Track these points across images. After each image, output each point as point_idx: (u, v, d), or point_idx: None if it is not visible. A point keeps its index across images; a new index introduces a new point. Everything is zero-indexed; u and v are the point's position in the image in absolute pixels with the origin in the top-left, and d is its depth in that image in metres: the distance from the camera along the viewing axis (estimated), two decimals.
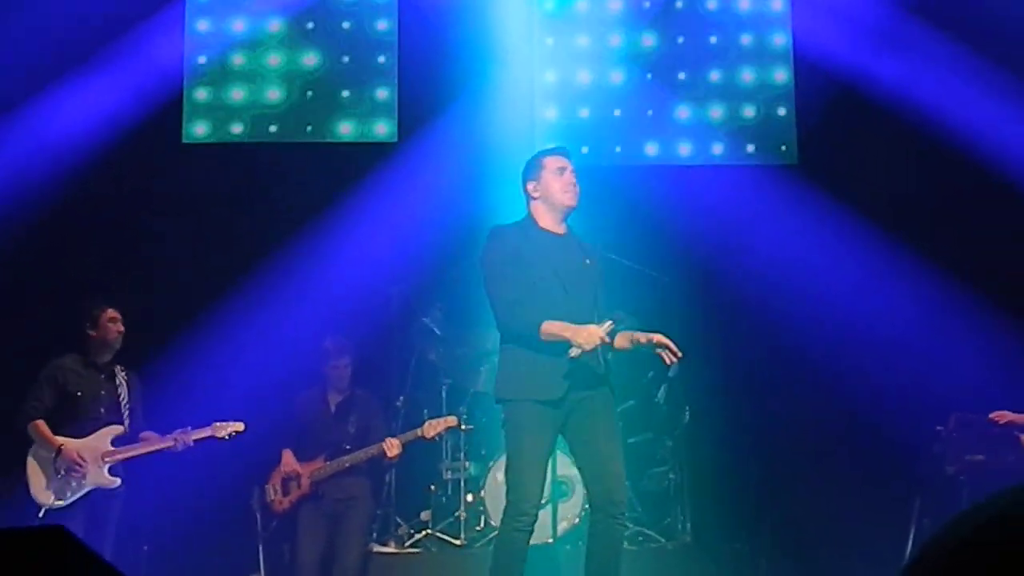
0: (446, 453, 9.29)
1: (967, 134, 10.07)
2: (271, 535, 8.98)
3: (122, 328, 8.31)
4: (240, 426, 8.31)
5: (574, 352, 6.21)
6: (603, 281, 6.66)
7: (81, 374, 8.22)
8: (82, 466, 7.92)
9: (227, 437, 8.27)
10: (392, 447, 8.75)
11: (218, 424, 8.27)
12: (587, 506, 8.73)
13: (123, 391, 8.25)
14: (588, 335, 6.22)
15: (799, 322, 9.86)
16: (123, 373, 8.33)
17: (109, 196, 10.12)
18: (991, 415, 8.64)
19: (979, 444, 8.68)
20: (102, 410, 8.17)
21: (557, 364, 6.31)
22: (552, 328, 6.27)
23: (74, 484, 7.93)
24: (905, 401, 9.46)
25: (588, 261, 6.62)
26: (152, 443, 8.18)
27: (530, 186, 6.69)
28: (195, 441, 8.19)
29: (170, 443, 8.15)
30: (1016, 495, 1.35)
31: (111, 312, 8.30)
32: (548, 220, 6.64)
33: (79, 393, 8.14)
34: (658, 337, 6.44)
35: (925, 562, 1.34)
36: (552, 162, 6.67)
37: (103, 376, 8.27)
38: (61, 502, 7.91)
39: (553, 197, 6.61)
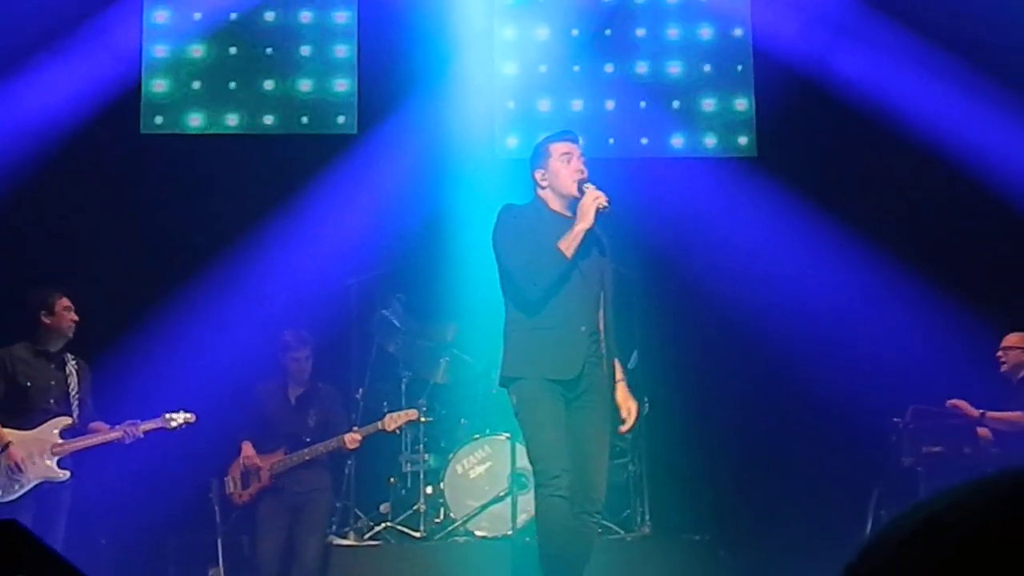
0: (405, 446, 9.28)
1: (925, 126, 10.13)
2: (230, 527, 8.96)
3: (76, 317, 8.21)
4: (191, 417, 8.23)
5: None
6: (610, 271, 6.59)
7: (31, 363, 8.10)
8: (23, 471, 7.82)
9: (177, 428, 8.20)
10: (353, 440, 8.75)
11: (168, 415, 8.20)
12: None
13: (73, 381, 8.14)
14: (588, 204, 6.29)
15: (758, 313, 9.90)
16: (73, 362, 8.21)
17: (66, 184, 10.04)
18: (948, 403, 8.72)
19: (936, 436, 8.74)
20: (51, 401, 8.06)
21: (569, 343, 6.27)
22: (567, 239, 6.25)
23: (22, 479, 7.84)
24: (863, 392, 9.50)
25: (596, 250, 6.47)
26: (101, 434, 8.10)
27: (537, 174, 6.53)
28: (145, 432, 8.12)
29: (119, 434, 8.06)
30: (970, 489, 1.35)
31: (66, 300, 8.20)
32: (557, 205, 6.49)
33: (28, 384, 8.03)
34: (631, 407, 6.52)
35: (874, 552, 1.34)
36: (558, 148, 6.51)
37: (53, 365, 8.16)
38: (10, 496, 7.82)
39: (561, 186, 6.46)
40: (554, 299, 6.31)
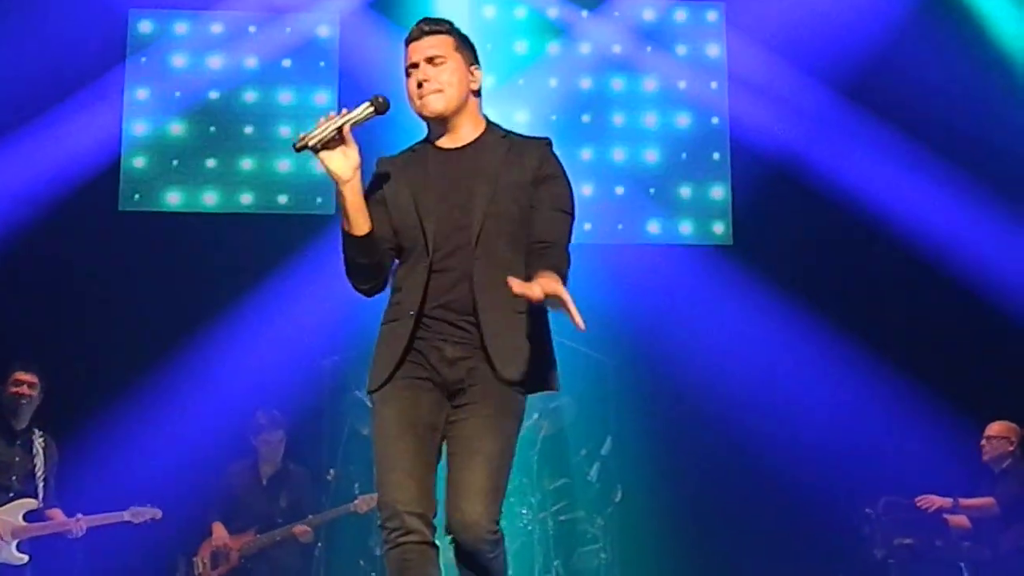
0: (376, 529, 9.20)
1: (900, 219, 10.21)
2: None
3: (27, 391, 8.12)
4: (158, 513, 8.19)
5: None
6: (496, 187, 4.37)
7: None
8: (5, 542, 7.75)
9: (142, 523, 8.15)
10: (303, 532, 8.75)
11: (136, 509, 8.14)
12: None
13: (39, 460, 8.05)
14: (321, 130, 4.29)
15: (731, 401, 9.91)
16: (41, 440, 8.13)
17: (42, 261, 10.02)
18: (917, 500, 8.72)
19: (907, 528, 8.75)
20: (13, 478, 7.98)
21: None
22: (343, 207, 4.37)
23: None
24: (835, 483, 9.51)
25: (478, 178, 4.38)
26: (54, 524, 7.98)
27: None
28: (89, 528, 8.02)
29: (69, 527, 7.96)
30: None
31: (18, 374, 8.13)
32: (434, 133, 4.56)
33: None
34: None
35: None
36: (405, 56, 4.54)
37: (18, 442, 8.08)
38: None
39: (411, 106, 4.54)
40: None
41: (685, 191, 10.72)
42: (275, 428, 9.07)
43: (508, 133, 4.55)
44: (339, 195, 4.36)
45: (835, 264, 10.48)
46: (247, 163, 10.51)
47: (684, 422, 10.14)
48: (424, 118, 4.50)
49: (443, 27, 4.49)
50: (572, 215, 4.50)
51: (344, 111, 4.30)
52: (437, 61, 4.42)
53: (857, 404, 9.99)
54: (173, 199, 10.43)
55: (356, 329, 9.47)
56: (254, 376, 9.63)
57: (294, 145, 4.26)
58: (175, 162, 10.47)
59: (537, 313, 4.34)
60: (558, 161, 4.55)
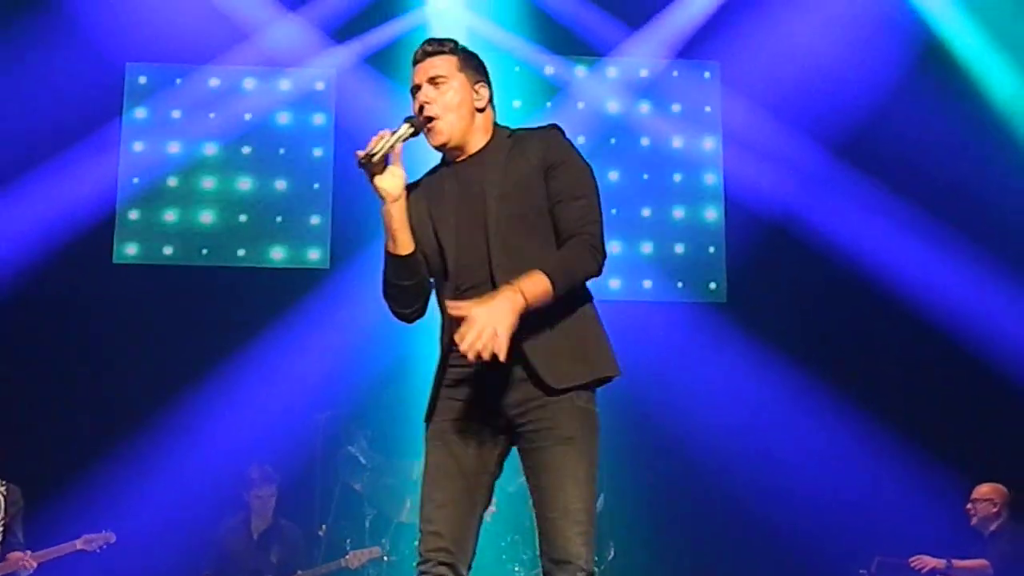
0: None
1: (894, 277, 10.23)
2: None
3: None
4: (110, 536, 8.12)
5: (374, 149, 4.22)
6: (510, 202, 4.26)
7: None
8: None
9: (97, 549, 8.07)
10: None
11: (87, 537, 8.08)
12: None
13: None
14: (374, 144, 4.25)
15: (724, 459, 9.90)
16: (2, 488, 8.06)
17: (37, 313, 10.01)
18: (911, 560, 8.69)
19: None
20: None
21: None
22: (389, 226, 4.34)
23: None
24: (829, 541, 9.48)
25: (485, 185, 4.30)
26: (8, 565, 7.92)
27: None
28: (43, 563, 7.96)
29: (19, 566, 7.90)
30: None
31: None
32: (449, 153, 4.49)
33: None
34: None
35: None
36: (411, 78, 4.47)
37: None
38: None
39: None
40: None
41: (679, 248, 10.75)
42: (268, 483, 9.05)
43: (514, 131, 4.45)
44: (386, 214, 4.29)
45: (828, 322, 10.50)
46: (243, 217, 10.53)
47: (677, 480, 10.12)
48: (432, 147, 4.43)
49: (446, 47, 4.40)
50: (592, 194, 4.34)
51: (387, 131, 4.24)
52: (439, 81, 4.34)
53: (851, 462, 9.98)
54: (167, 251, 10.44)
55: (350, 384, 9.54)
56: (247, 430, 9.61)
57: (359, 161, 4.20)
58: (171, 215, 10.49)
59: (571, 300, 4.28)
60: (566, 143, 4.39)
